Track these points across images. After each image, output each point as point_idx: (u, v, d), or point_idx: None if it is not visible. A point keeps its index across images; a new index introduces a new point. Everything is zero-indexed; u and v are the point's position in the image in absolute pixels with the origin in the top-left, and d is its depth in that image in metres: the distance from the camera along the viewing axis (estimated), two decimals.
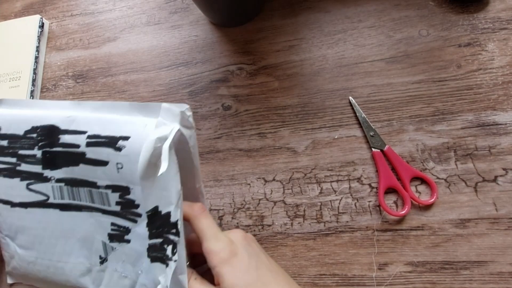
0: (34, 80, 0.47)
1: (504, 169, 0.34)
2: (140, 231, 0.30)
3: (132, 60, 0.47)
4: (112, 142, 0.29)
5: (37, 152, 0.32)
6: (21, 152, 0.33)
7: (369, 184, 0.36)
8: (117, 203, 0.30)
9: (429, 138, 0.36)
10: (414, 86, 0.39)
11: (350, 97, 0.39)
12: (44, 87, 0.48)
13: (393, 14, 0.42)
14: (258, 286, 0.25)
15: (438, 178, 0.35)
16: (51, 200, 0.33)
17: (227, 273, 0.25)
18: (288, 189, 0.37)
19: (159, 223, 0.29)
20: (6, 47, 0.50)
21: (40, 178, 0.33)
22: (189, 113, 0.29)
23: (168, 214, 0.28)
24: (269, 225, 0.36)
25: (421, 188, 0.35)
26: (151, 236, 0.29)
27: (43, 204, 0.33)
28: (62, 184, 0.32)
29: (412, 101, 0.38)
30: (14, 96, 0.46)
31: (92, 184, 0.31)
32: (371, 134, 0.37)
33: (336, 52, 0.42)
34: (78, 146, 0.30)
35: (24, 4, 0.55)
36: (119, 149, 0.29)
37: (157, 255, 0.29)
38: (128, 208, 0.30)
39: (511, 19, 0.39)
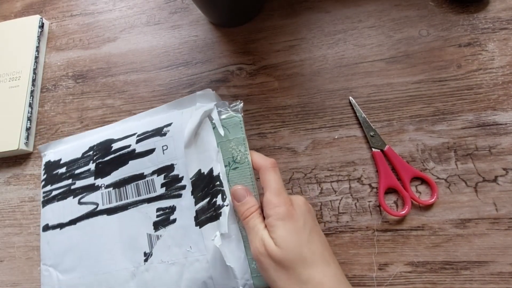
0: (34, 80, 0.47)
1: (504, 169, 0.34)
2: (185, 203, 0.33)
3: (132, 60, 0.47)
4: (158, 131, 0.35)
5: (92, 166, 0.37)
6: (78, 171, 0.38)
7: (369, 184, 0.36)
8: (162, 185, 0.34)
9: (429, 138, 0.36)
10: (414, 86, 0.39)
11: (350, 97, 0.39)
12: (44, 87, 0.48)
13: (393, 14, 0.42)
14: (305, 251, 0.26)
15: (438, 178, 0.35)
16: (100, 207, 0.36)
17: (281, 226, 0.26)
18: (288, 189, 0.37)
19: (204, 183, 0.33)
20: (6, 47, 0.50)
21: (91, 188, 0.37)
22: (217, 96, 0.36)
23: (211, 170, 0.33)
24: None
25: (421, 188, 0.35)
26: (197, 202, 0.33)
27: (92, 213, 0.36)
28: (111, 188, 0.36)
29: (412, 101, 0.38)
30: (13, 96, 0.46)
31: (139, 177, 0.35)
32: (371, 134, 0.37)
33: (336, 52, 0.42)
34: (129, 146, 0.36)
35: (24, 4, 0.55)
36: (164, 134, 0.35)
37: (206, 216, 0.32)
38: (173, 184, 0.34)
39: (511, 19, 0.39)
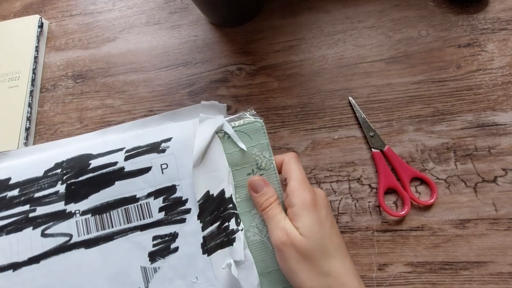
0: (33, 80, 0.47)
1: (503, 169, 0.34)
2: (190, 228, 0.30)
3: (131, 60, 0.47)
4: (154, 147, 0.31)
5: (60, 188, 0.31)
6: (38, 194, 0.31)
7: (369, 185, 0.36)
8: (161, 209, 0.30)
9: (428, 139, 0.36)
10: (414, 86, 0.39)
11: (350, 98, 0.39)
12: (44, 87, 0.48)
13: (393, 15, 0.42)
14: (327, 243, 0.26)
15: (437, 178, 0.35)
16: (74, 239, 0.30)
17: (306, 216, 0.26)
18: None
19: (213, 206, 0.30)
20: (5, 47, 0.50)
21: (61, 216, 0.31)
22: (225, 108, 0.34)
23: (222, 192, 0.30)
24: None
25: (421, 188, 0.35)
26: (205, 227, 0.30)
27: (64, 248, 0.30)
28: (89, 215, 0.30)
29: (411, 101, 0.38)
30: (12, 96, 0.45)
31: (130, 200, 0.30)
32: (371, 134, 0.37)
33: (335, 52, 0.42)
34: (115, 163, 0.31)
35: (23, 4, 0.55)
36: (162, 151, 0.30)
37: (215, 242, 0.29)
38: (175, 208, 0.30)
39: (511, 19, 0.39)
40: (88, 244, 0.30)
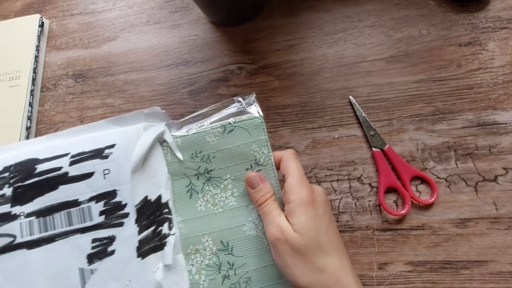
0: (34, 80, 0.47)
1: (504, 168, 0.34)
2: (127, 232, 0.31)
3: (132, 60, 0.47)
4: (98, 153, 0.32)
5: (7, 191, 0.32)
6: None
7: (369, 184, 0.36)
8: (101, 213, 0.31)
9: (429, 138, 0.36)
10: (414, 85, 0.38)
11: (350, 97, 0.39)
12: (44, 86, 0.48)
13: (394, 14, 0.42)
14: (323, 240, 0.26)
15: (438, 177, 0.35)
16: (18, 240, 0.31)
17: (302, 213, 0.26)
18: None
19: (150, 211, 0.31)
20: (6, 47, 0.50)
21: (6, 217, 0.31)
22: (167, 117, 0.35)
23: (159, 197, 0.31)
24: None
25: (421, 187, 0.35)
26: (141, 231, 0.31)
27: (8, 248, 0.31)
28: (33, 217, 0.31)
29: (412, 100, 0.38)
30: (13, 95, 0.46)
31: (72, 204, 0.31)
32: (371, 133, 0.37)
33: (336, 51, 0.42)
34: (59, 168, 0.32)
35: (24, 4, 0.55)
36: (106, 157, 0.32)
37: (149, 246, 0.30)
38: (114, 212, 0.31)
39: (511, 18, 0.39)
40: (30, 245, 0.31)
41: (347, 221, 0.35)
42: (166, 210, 0.31)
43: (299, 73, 0.42)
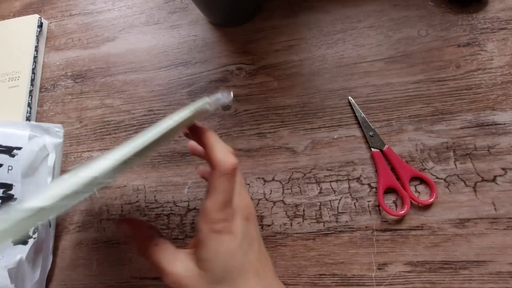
0: (33, 80, 0.47)
1: (503, 169, 0.34)
2: None
3: (131, 60, 0.47)
4: (9, 150, 0.39)
5: None
6: None
7: (369, 184, 0.36)
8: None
9: (428, 138, 0.36)
10: (413, 86, 0.39)
11: (350, 97, 0.39)
12: (43, 87, 0.48)
13: (392, 14, 0.42)
14: (235, 276, 0.23)
15: (437, 178, 0.35)
16: None
17: (213, 246, 0.23)
18: (287, 189, 0.37)
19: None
20: (5, 47, 0.50)
21: None
22: (57, 129, 0.42)
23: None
24: (269, 225, 0.36)
25: (421, 188, 0.35)
26: None
27: None
28: None
29: (411, 101, 0.38)
30: (12, 96, 0.45)
31: None
32: (371, 134, 0.37)
33: (335, 52, 0.42)
34: None
35: (22, 4, 0.55)
36: (13, 155, 0.39)
37: (19, 238, 0.36)
38: (7, 201, 0.38)
39: (510, 19, 0.39)
40: None
41: (347, 221, 0.35)
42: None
43: (299, 73, 0.42)
